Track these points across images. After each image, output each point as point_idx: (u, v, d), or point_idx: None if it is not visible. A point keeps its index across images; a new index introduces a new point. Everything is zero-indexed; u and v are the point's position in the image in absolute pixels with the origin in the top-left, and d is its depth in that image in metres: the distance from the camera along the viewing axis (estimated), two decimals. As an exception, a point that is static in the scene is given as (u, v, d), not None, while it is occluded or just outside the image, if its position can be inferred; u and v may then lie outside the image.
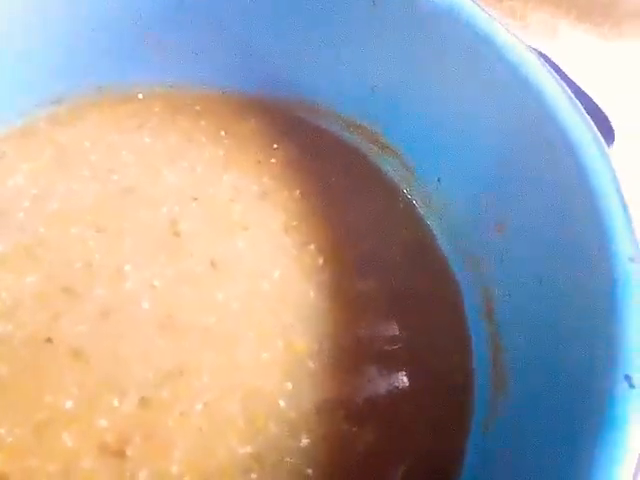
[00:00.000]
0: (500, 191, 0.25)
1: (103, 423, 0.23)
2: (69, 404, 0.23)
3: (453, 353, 0.27)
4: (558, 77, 0.21)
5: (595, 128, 0.20)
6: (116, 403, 0.23)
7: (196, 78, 0.32)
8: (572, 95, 0.21)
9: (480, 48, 0.24)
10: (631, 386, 0.17)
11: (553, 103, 0.21)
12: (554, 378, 0.21)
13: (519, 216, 0.24)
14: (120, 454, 0.22)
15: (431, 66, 0.27)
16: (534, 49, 0.23)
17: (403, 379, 0.25)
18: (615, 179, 0.19)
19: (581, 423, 0.18)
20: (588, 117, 0.20)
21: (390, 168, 0.31)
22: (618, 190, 0.19)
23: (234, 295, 0.26)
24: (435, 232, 0.29)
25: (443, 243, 0.29)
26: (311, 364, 0.25)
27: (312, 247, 0.28)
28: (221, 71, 0.31)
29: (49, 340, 0.24)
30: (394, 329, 0.26)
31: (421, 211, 0.30)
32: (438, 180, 0.29)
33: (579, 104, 0.20)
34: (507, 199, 0.25)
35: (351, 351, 0.25)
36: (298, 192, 0.29)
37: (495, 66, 0.23)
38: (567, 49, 0.43)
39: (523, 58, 0.22)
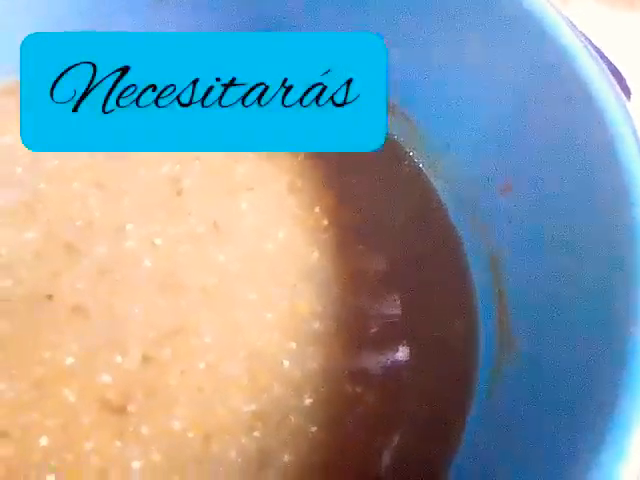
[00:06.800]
0: (511, 151, 0.25)
1: (105, 379, 0.23)
2: (70, 360, 0.23)
3: (458, 319, 0.26)
4: (578, 31, 0.21)
5: (614, 81, 0.19)
6: (119, 360, 0.23)
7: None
8: (591, 48, 0.20)
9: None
10: (651, 342, 0.17)
11: (573, 56, 0.20)
12: (568, 340, 0.20)
13: (531, 175, 0.24)
14: (121, 410, 0.22)
15: (445, 25, 0.26)
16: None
17: (406, 343, 0.25)
18: (634, 130, 0.18)
19: (596, 385, 0.18)
20: (608, 71, 0.20)
21: (398, 131, 0.30)
22: (637, 140, 0.18)
23: (236, 256, 0.26)
24: (442, 196, 0.29)
25: (450, 207, 0.28)
26: (315, 325, 0.25)
27: (317, 209, 0.27)
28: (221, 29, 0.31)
29: (49, 297, 0.24)
30: (398, 293, 0.26)
31: (428, 175, 0.29)
32: (447, 145, 0.28)
33: (598, 57, 0.20)
34: (518, 159, 0.24)
35: (355, 313, 0.25)
36: (302, 153, 0.29)
37: (513, 18, 0.23)
38: (578, 18, 0.42)
39: (542, 10, 0.21)
